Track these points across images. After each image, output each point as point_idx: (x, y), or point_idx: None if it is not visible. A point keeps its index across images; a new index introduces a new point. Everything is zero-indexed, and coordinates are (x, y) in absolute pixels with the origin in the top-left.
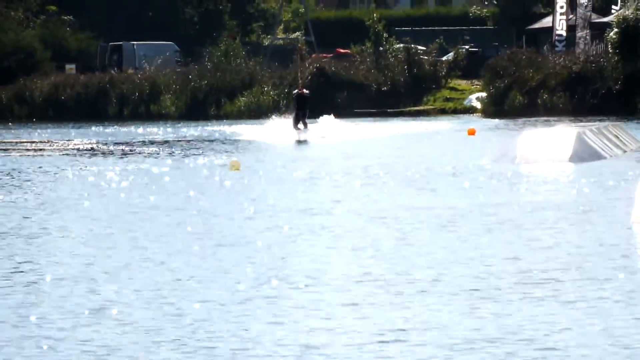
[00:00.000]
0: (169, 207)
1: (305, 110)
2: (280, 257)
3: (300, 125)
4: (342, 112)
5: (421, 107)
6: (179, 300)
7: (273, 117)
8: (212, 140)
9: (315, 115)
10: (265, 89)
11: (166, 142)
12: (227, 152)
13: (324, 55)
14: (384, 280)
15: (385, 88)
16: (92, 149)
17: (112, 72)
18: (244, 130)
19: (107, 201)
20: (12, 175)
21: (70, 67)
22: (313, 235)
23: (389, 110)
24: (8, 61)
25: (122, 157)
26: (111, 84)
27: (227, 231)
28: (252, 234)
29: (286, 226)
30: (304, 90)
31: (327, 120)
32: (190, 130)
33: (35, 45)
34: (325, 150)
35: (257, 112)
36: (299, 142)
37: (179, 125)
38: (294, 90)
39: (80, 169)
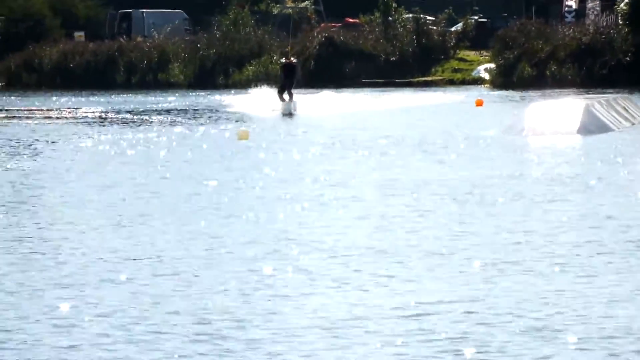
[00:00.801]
0: (181, 176)
1: (292, 80)
2: (291, 229)
3: (286, 96)
4: (350, 82)
5: (429, 78)
6: (195, 269)
7: (256, 87)
8: (215, 110)
9: (322, 84)
10: (274, 57)
11: (173, 110)
12: (236, 121)
13: (333, 24)
14: (400, 253)
15: (393, 58)
16: (101, 117)
17: (121, 40)
18: (240, 100)
19: (120, 170)
20: (24, 144)
21: (79, 35)
22: (324, 206)
23: (397, 80)
24: (17, 28)
25: (131, 126)
26: (120, 52)
27: (239, 201)
28: (262, 205)
29: (298, 198)
30: (292, 60)
31: (326, 95)
32: (199, 99)
33: (45, 12)
34: (331, 122)
35: (266, 81)
36: (284, 114)
37: (189, 93)
38: (281, 61)
39: (93, 137)
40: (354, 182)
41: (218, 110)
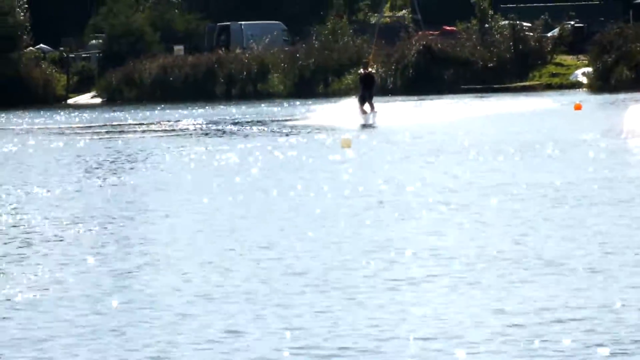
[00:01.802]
0: (289, 185)
1: (371, 90)
2: (397, 232)
3: (367, 107)
4: (449, 88)
5: (527, 83)
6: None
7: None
8: (308, 119)
9: (421, 92)
10: (374, 66)
11: (273, 121)
12: (337, 130)
13: (430, 32)
14: (510, 258)
15: (491, 64)
16: (203, 129)
17: (220, 52)
18: (335, 109)
19: (229, 180)
20: (137, 157)
21: (179, 49)
22: (432, 211)
23: (495, 86)
24: (119, 44)
25: (234, 137)
26: (219, 64)
27: (359, 209)
28: (383, 211)
29: (418, 204)
30: (370, 70)
31: (422, 105)
32: (298, 108)
33: (145, 28)
34: (433, 129)
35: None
36: (364, 125)
37: (288, 103)
38: (361, 70)
39: (198, 149)
40: (467, 187)
41: (309, 118)
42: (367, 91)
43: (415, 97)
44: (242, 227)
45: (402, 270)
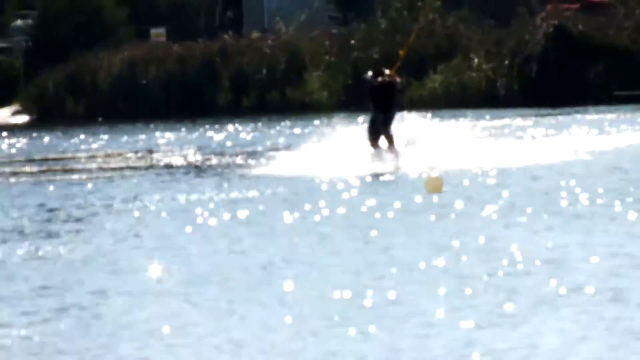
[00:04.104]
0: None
1: (391, 111)
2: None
3: (384, 143)
4: (596, 95)
5: None
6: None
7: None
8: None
9: (553, 100)
10: (475, 60)
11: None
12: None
13: (566, 5)
14: None
15: None
16: (196, 164)
17: (226, 36)
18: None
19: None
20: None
21: (158, 32)
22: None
23: None
24: (58, 27)
25: (248, 180)
26: (223, 56)
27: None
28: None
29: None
30: (389, 77)
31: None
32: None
33: (104, 1)
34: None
35: (461, 97)
36: (375, 175)
37: (334, 120)
38: (367, 75)
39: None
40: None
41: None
42: (382, 113)
43: (541, 111)
44: None
45: None
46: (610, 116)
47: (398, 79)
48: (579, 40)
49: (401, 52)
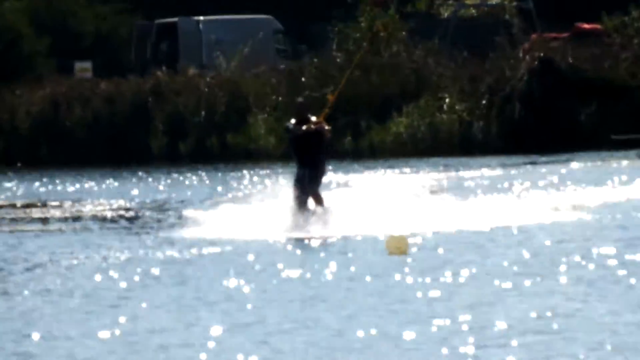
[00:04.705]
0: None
1: (319, 168)
2: None
3: (310, 204)
4: (591, 140)
5: None
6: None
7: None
8: None
9: (542, 147)
10: (447, 99)
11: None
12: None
13: (553, 35)
14: None
15: None
16: (129, 217)
17: (160, 73)
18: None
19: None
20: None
21: (83, 67)
22: None
23: None
24: None
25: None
26: (157, 95)
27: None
28: None
29: None
30: (314, 125)
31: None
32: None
33: (21, 27)
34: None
35: (430, 143)
36: (305, 242)
37: (278, 170)
38: (290, 124)
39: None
40: None
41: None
42: (309, 169)
43: (524, 159)
44: None
45: None
46: (606, 165)
47: (327, 127)
48: (569, 75)
49: (330, 97)
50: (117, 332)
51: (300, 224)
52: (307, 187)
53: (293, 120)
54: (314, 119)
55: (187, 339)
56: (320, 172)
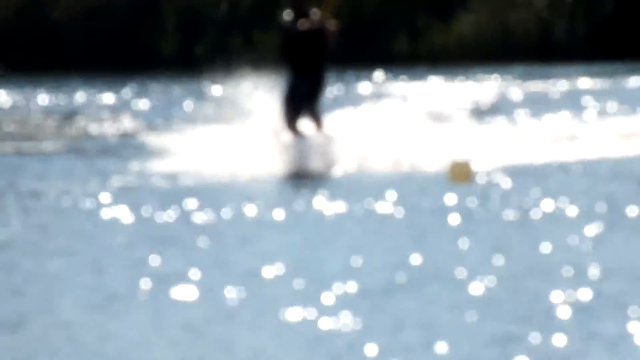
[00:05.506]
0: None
1: (319, 78)
2: None
3: (305, 122)
4: None
5: None
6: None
7: None
8: None
9: None
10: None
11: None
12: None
13: None
14: None
15: None
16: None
17: None
18: None
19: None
20: None
21: None
22: None
23: None
24: None
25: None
26: None
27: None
28: None
29: None
30: (317, 21)
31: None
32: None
33: None
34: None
35: (502, 47)
36: (299, 176)
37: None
38: (286, 19)
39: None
40: None
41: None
42: (307, 78)
43: (617, 67)
44: None
45: None
46: None
47: (333, 25)
48: None
49: None
50: None
51: (290, 155)
52: (304, 102)
53: (288, 14)
54: (316, 12)
55: None
56: (320, 84)
